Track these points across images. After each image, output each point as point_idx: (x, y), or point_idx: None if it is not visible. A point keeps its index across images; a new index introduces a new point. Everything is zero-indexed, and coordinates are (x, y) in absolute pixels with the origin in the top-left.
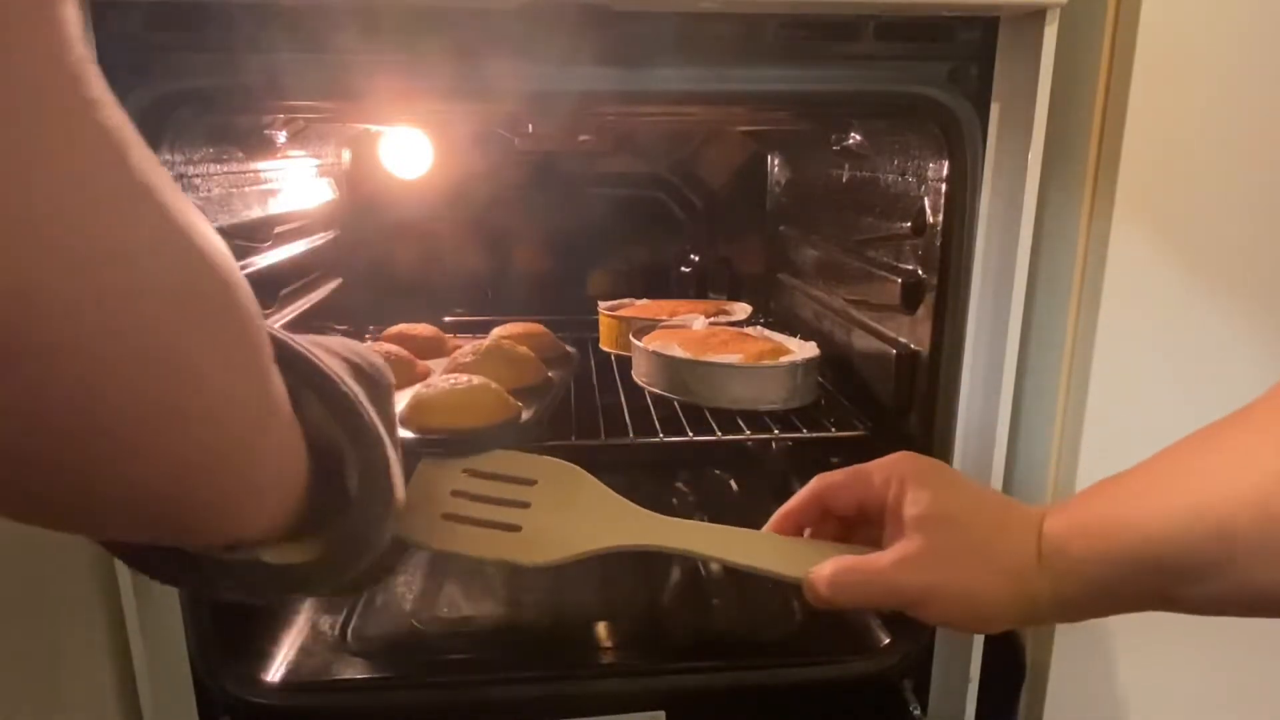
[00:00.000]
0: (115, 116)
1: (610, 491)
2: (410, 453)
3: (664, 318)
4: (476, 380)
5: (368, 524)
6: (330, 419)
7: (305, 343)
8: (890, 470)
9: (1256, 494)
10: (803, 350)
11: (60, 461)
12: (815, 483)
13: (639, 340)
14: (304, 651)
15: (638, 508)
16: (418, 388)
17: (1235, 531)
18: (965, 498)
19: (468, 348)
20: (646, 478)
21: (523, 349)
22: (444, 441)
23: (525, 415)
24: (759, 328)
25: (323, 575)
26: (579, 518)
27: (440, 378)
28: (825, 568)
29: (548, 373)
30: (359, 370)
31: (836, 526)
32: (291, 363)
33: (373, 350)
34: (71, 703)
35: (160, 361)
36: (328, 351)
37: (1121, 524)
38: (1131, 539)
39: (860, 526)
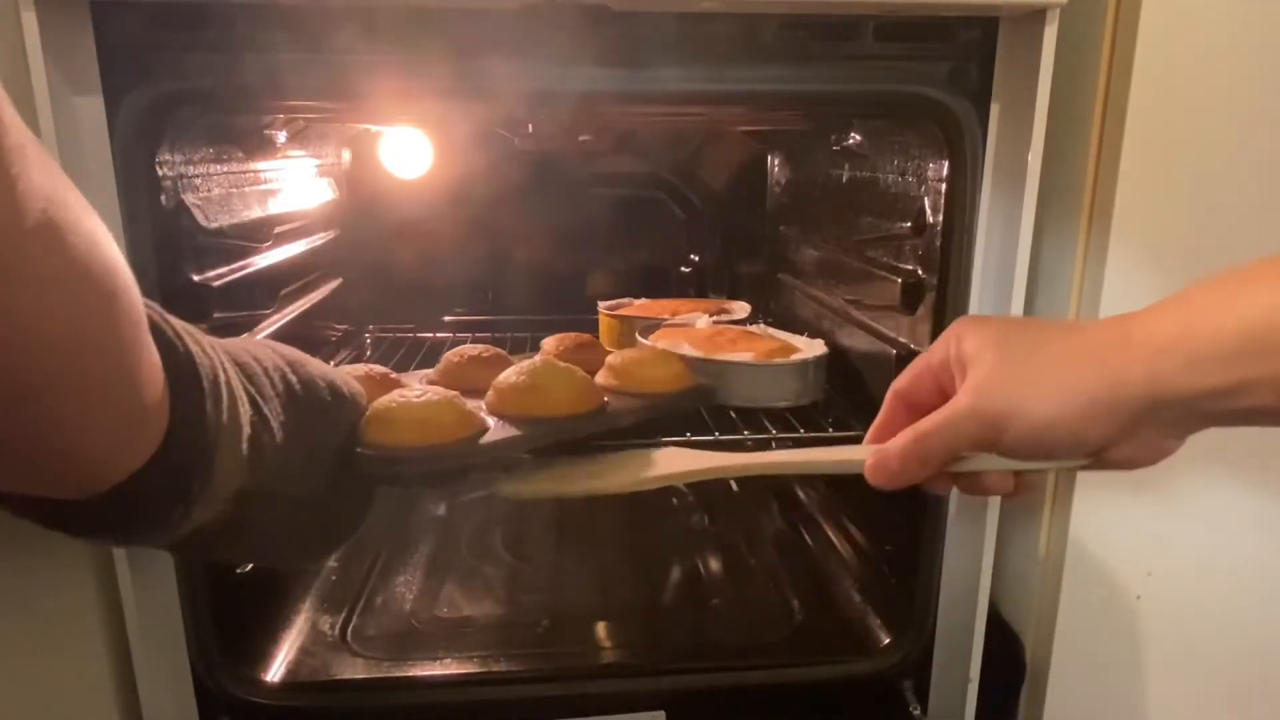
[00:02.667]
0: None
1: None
2: (372, 472)
3: (666, 316)
4: (439, 393)
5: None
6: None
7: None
8: (948, 333)
9: None
10: (810, 348)
11: None
12: (891, 388)
13: (647, 339)
14: (304, 651)
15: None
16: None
17: None
18: (1028, 318)
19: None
20: None
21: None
22: (398, 459)
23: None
24: (762, 326)
25: (92, 518)
26: (655, 459)
27: (401, 391)
28: (901, 435)
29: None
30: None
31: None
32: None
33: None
34: (71, 703)
35: (49, 338)
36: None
37: (1231, 294)
38: (1250, 302)
39: None
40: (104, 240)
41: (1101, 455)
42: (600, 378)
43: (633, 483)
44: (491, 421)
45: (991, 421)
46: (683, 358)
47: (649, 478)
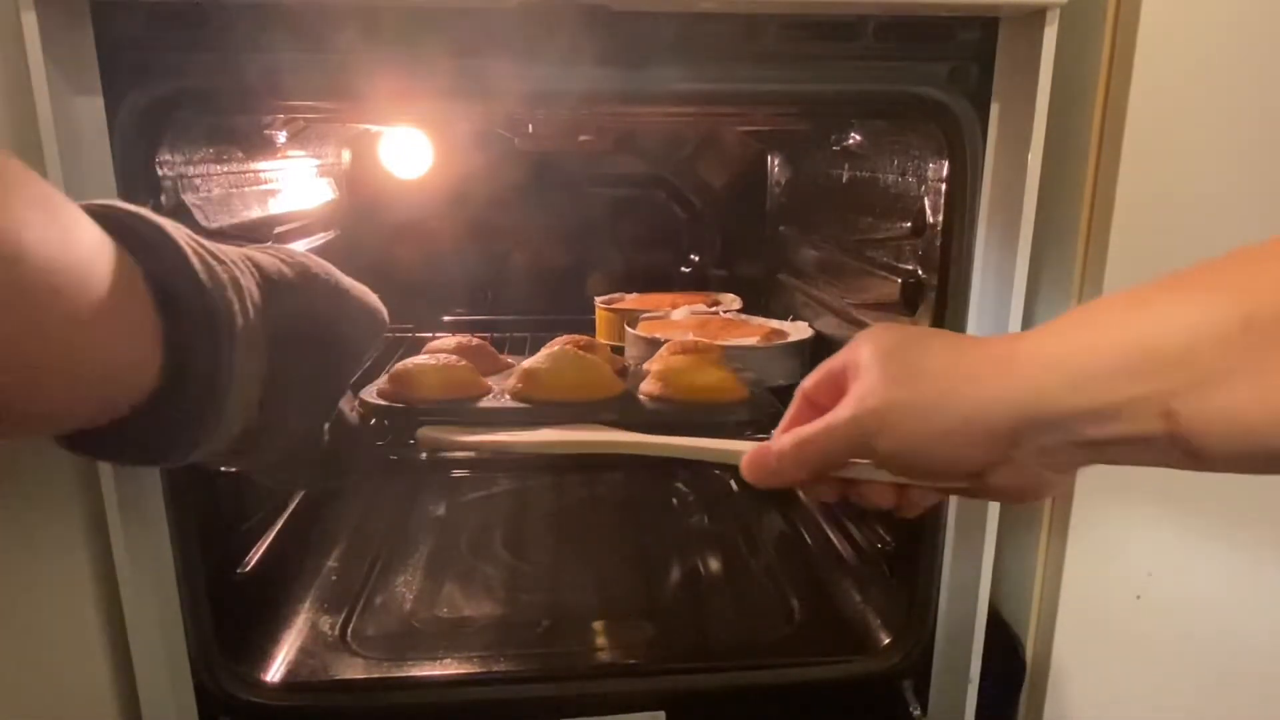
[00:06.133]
0: None
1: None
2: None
3: (665, 309)
4: (453, 359)
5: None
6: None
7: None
8: (854, 339)
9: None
10: (797, 330)
11: None
12: (799, 387)
13: (645, 333)
14: (304, 651)
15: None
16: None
17: (1258, 322)
18: (922, 330)
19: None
20: (646, 477)
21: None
22: (412, 411)
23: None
24: (736, 313)
25: (150, 447)
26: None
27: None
28: (785, 436)
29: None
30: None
31: None
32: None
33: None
34: (71, 703)
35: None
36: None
37: (1122, 311)
38: (1138, 319)
39: None
40: (65, 250)
41: (980, 480)
42: (646, 386)
43: (532, 445)
44: (494, 389)
45: (867, 432)
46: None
47: (545, 442)
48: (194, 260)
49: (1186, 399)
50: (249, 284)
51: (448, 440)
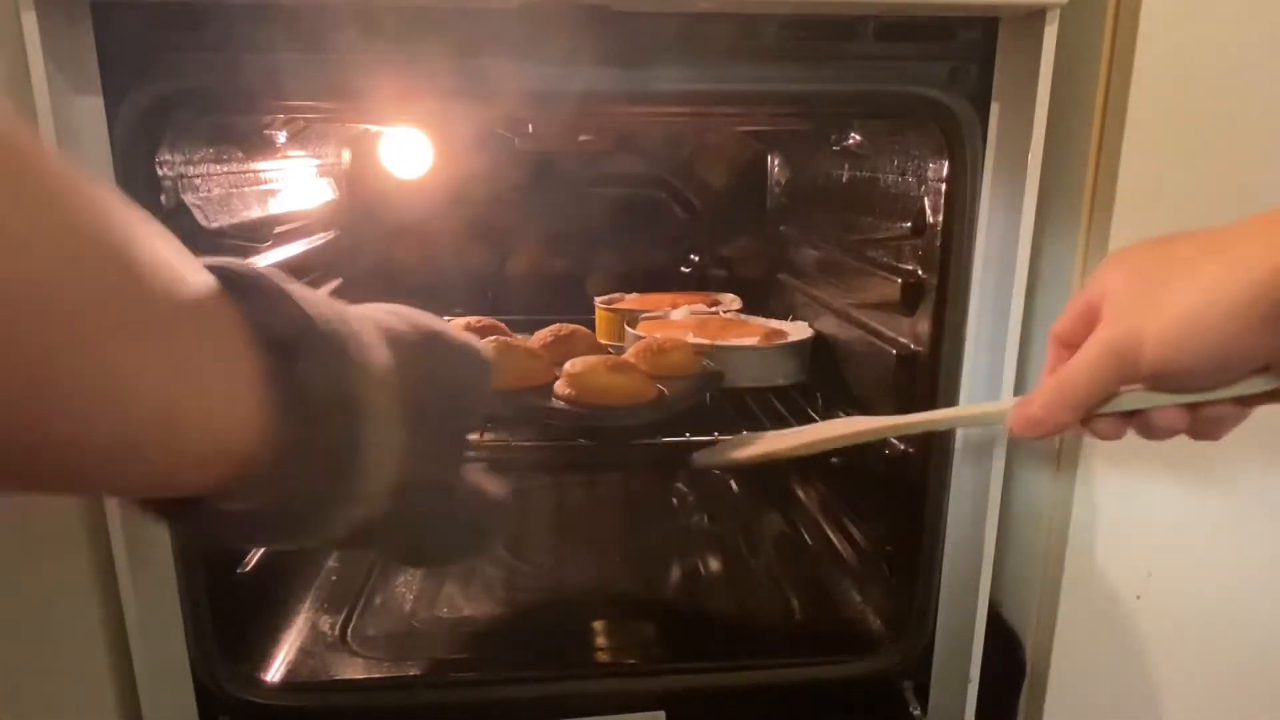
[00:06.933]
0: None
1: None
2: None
3: (665, 309)
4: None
5: (307, 455)
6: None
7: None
8: (1097, 269)
9: None
10: (796, 330)
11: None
12: (1051, 332)
13: (644, 333)
14: (304, 651)
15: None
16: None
17: None
18: (1177, 234)
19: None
20: (646, 477)
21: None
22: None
23: None
24: (736, 313)
25: (275, 524)
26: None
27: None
28: (1045, 383)
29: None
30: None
31: None
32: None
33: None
34: (71, 703)
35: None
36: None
37: None
38: None
39: None
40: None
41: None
42: (557, 386)
43: (797, 447)
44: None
45: (1126, 350)
46: (671, 350)
47: (812, 442)
48: (315, 306)
49: None
50: (371, 332)
51: (719, 461)
